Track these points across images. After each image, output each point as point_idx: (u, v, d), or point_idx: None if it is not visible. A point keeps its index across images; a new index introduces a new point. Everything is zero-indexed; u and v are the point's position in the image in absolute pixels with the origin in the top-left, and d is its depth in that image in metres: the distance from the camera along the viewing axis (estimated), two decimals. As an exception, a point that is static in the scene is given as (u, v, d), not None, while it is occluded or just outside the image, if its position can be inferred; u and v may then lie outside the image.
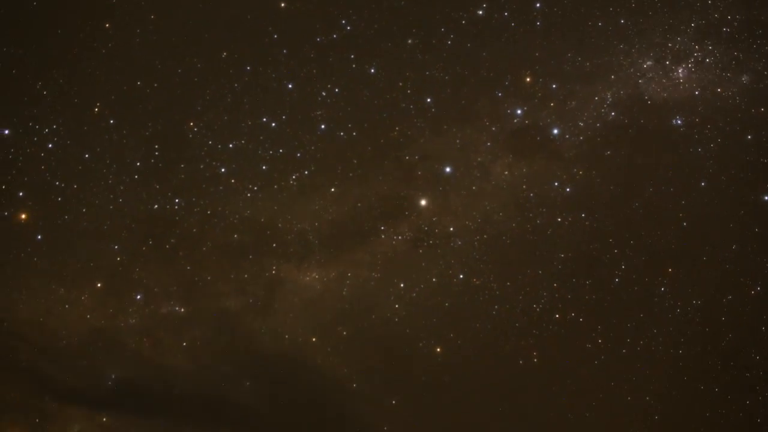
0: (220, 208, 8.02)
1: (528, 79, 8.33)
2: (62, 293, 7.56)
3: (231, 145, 8.10)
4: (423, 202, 8.33)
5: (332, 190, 8.29)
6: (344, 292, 8.23)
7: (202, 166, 8.01)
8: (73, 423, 7.39)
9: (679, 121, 8.08)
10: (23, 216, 7.40)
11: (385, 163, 8.37)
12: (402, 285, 8.23)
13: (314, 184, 8.26)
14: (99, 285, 7.67)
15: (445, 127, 8.37)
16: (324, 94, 8.23)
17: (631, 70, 8.21)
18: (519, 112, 8.32)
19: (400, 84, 8.28)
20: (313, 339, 8.10)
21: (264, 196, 8.15)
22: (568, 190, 8.25)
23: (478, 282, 8.21)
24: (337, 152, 8.31)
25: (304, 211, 8.24)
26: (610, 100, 8.26)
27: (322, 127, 8.24)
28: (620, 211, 8.18)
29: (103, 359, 7.43)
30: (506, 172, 8.34)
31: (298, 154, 8.23)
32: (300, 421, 7.79)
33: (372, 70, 8.26)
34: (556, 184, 8.26)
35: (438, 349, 8.12)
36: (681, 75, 8.13)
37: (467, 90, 8.36)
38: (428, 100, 8.33)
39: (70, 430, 7.34)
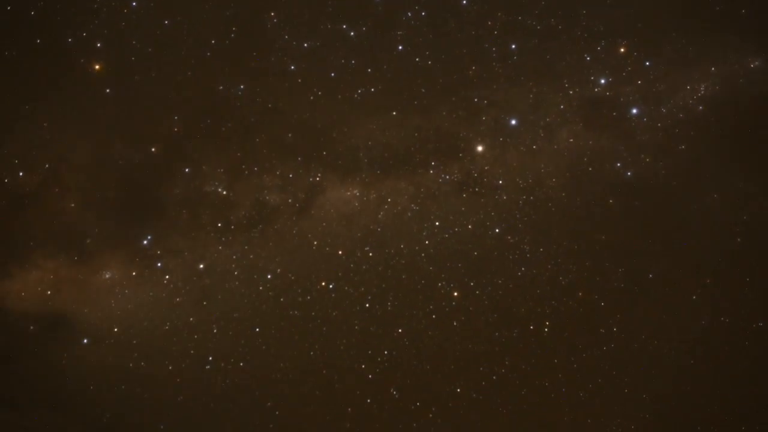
0: (281, 105, 8.06)
1: (622, 50, 7.87)
2: (118, 147, 7.85)
3: (306, 45, 8.02)
4: (480, 148, 8.20)
5: (393, 113, 8.20)
6: (380, 216, 8.31)
7: (273, 59, 7.98)
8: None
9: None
10: (97, 67, 7.62)
11: (452, 99, 8.17)
12: (437, 223, 8.24)
13: (377, 103, 8.17)
14: (153, 149, 7.93)
15: (522, 78, 8.07)
16: (410, 14, 7.97)
17: (736, 67, 7.66)
18: (603, 81, 7.93)
19: (489, 23, 7.94)
20: (339, 252, 8.27)
21: (326, 103, 8.12)
22: (628, 174, 7.97)
23: (511, 240, 8.17)
24: (407, 76, 8.14)
25: (361, 128, 8.21)
26: (703, 92, 7.78)
27: (400, 48, 8.05)
28: (676, 210, 7.90)
29: (139, 223, 7.80)
30: (571, 140, 8.08)
31: (369, 70, 8.11)
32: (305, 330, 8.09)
33: (464, 2, 7.93)
34: (618, 164, 7.98)
35: (455, 293, 8.22)
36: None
37: (555, 45, 7.96)
38: (513, 46, 7.99)
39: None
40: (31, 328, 7.33)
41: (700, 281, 7.79)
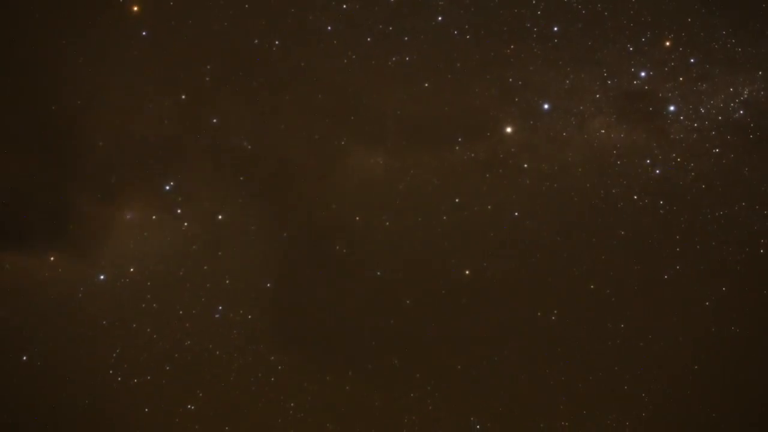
0: (313, 65, 8.01)
1: (667, 43, 7.64)
2: (149, 91, 7.90)
3: (345, 6, 7.91)
4: (508, 130, 8.09)
5: (426, 84, 8.10)
6: (400, 186, 8.28)
7: (311, 18, 7.91)
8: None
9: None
10: (135, 8, 7.62)
11: (487, 77, 8.05)
12: (457, 200, 8.21)
13: (410, 73, 8.07)
14: (183, 96, 7.97)
15: (560, 62, 7.89)
16: (452, -15, 7.82)
17: (786, 74, 7.41)
18: (643, 74, 7.73)
19: (533, 2, 7.74)
20: (357, 218, 8.30)
21: (359, 68, 8.05)
22: (657, 171, 7.83)
23: (529, 225, 8.12)
24: (444, 48, 8.02)
25: (391, 96, 8.13)
26: (746, 96, 7.55)
27: (439, 18, 7.91)
28: (700, 214, 7.75)
29: (163, 169, 7.90)
30: (603, 131, 7.93)
31: (406, 38, 7.99)
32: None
33: (510, -22, 7.74)
34: (647, 161, 7.83)
35: (467, 272, 8.23)
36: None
37: (599, 32, 7.76)
38: (555, 28, 7.80)
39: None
40: (52, 259, 7.54)
41: (716, 288, 7.69)
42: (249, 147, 8.15)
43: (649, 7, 7.62)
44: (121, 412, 7.50)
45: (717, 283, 7.66)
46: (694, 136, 7.71)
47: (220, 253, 8.05)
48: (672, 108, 7.71)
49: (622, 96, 7.85)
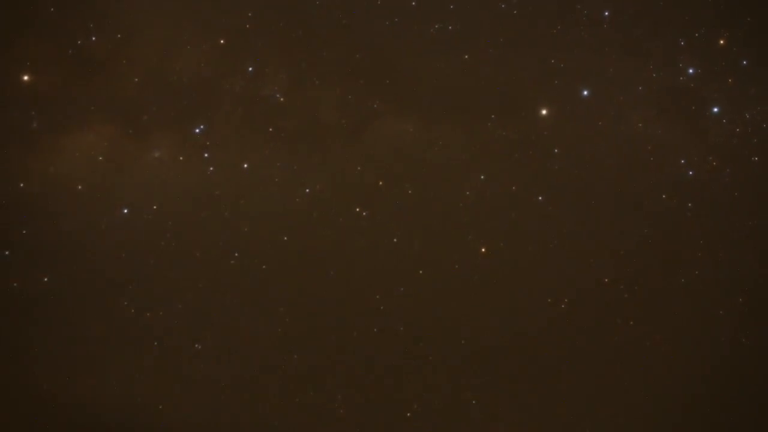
0: (355, 23, 7.91)
1: (722, 42, 7.36)
2: (188, 31, 7.91)
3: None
4: (543, 112, 7.94)
5: (466, 56, 7.97)
6: (427, 156, 8.23)
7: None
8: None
9: None
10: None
11: (528, 55, 7.87)
12: (482, 177, 8.13)
13: (452, 43, 7.95)
14: (222, 41, 7.97)
15: (606, 49, 7.67)
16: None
17: (839, 87, 7.10)
18: (691, 71, 7.48)
19: (590, -16, 7.50)
20: (380, 182, 8.29)
21: (400, 32, 7.95)
22: (690, 173, 7.65)
23: (552, 211, 8.04)
24: (489, 21, 7.87)
25: (429, 64, 8.01)
26: (797, 105, 7.28)
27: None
28: (729, 221, 7.58)
29: (195, 111, 7.95)
30: (640, 124, 7.74)
31: (451, 6, 7.86)
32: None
33: (566, -45, 7.48)
34: (682, 161, 7.65)
35: (483, 249, 8.21)
36: None
37: (651, 22, 7.50)
38: (606, 13, 7.56)
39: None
40: (79, 187, 7.72)
41: (732, 299, 7.56)
42: (281, 99, 8.15)
43: (709, 1, 7.31)
44: (131, 343, 7.77)
45: (734, 295, 7.53)
46: (735, 141, 7.48)
47: (242, 202, 8.14)
48: (715, 109, 7.48)
49: (665, 91, 7.63)
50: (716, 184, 7.58)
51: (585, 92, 7.80)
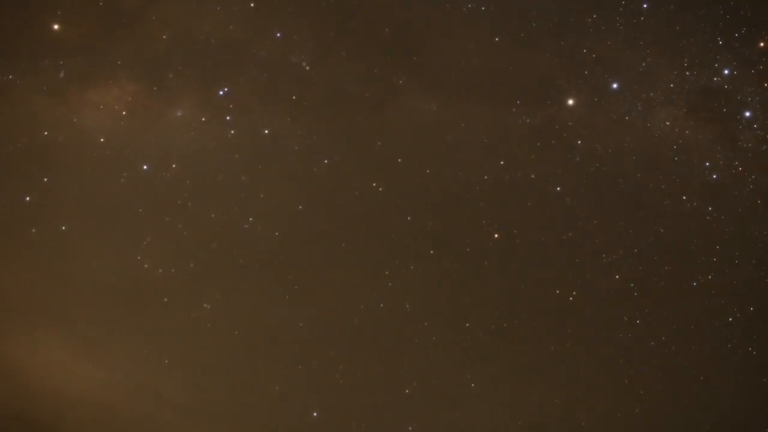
0: (390, 6, 7.81)
1: (761, 44, 7.14)
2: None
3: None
4: (570, 102, 7.81)
5: (496, 39, 7.86)
6: (448, 137, 8.16)
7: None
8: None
9: None
10: None
11: (561, 43, 7.72)
12: (501, 163, 8.07)
13: (483, 24, 7.84)
14: (252, 5, 7.91)
15: (641, 42, 7.48)
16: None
17: None
18: (726, 72, 7.29)
19: (628, -27, 7.29)
20: (399, 159, 8.24)
21: (432, 10, 7.88)
22: (714, 176, 7.51)
23: (569, 202, 7.97)
24: (522, 5, 7.75)
25: (459, 44, 7.93)
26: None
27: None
28: (748, 229, 7.46)
29: (219, 73, 7.95)
30: (668, 122, 7.59)
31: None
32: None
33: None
34: (707, 164, 7.50)
35: (495, 235, 8.18)
36: None
37: (690, 18, 7.29)
38: (644, 5, 7.37)
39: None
40: (102, 140, 7.81)
41: (743, 307, 7.48)
42: (307, 68, 8.11)
43: (752, 1, 7.07)
44: (142, 297, 7.93)
45: (745, 303, 7.45)
46: (763, 147, 7.31)
47: (259, 167, 8.18)
48: (747, 114, 7.30)
49: (697, 90, 7.46)
50: (739, 190, 7.44)
51: (615, 85, 7.65)
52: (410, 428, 7.96)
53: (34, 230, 7.69)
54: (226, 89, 8.04)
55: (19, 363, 7.63)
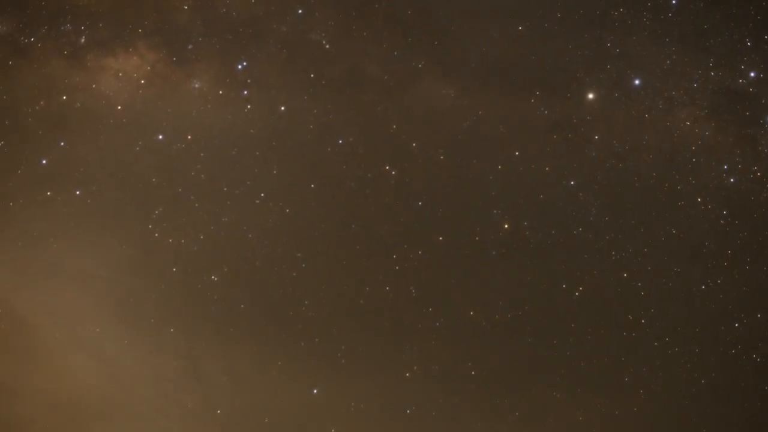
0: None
1: (792, 50, 6.98)
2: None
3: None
4: (590, 96, 7.72)
5: (519, 28, 7.77)
6: (465, 124, 8.10)
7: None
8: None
9: None
10: None
11: (585, 35, 7.62)
12: (516, 153, 8.02)
13: (506, 12, 7.78)
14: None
15: (667, 39, 7.36)
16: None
17: None
18: (752, 75, 7.17)
19: (659, -33, 7.14)
20: (414, 144, 8.21)
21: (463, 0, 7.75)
22: (731, 180, 7.42)
23: (581, 197, 7.92)
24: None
25: (481, 30, 7.84)
26: None
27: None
28: (763, 236, 7.39)
29: (239, 47, 7.93)
30: (688, 123, 7.48)
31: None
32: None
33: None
34: (725, 167, 7.41)
35: (506, 225, 8.15)
36: None
37: (718, 18, 7.15)
38: (673, 1, 7.21)
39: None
40: (119, 108, 7.85)
41: (751, 314, 7.43)
42: (327, 46, 8.06)
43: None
44: (150, 263, 8.02)
45: (753, 309, 7.39)
46: (786, 154, 7.19)
47: (274, 143, 8.19)
48: (772, 120, 7.17)
49: (721, 91, 7.33)
50: (756, 195, 7.34)
51: (637, 81, 7.54)
52: (408, 411, 8.04)
53: (49, 193, 7.79)
54: (244, 63, 8.02)
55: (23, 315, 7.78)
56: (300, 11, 7.95)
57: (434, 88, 8.09)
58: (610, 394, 7.88)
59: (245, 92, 8.05)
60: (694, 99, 7.39)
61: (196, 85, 8.02)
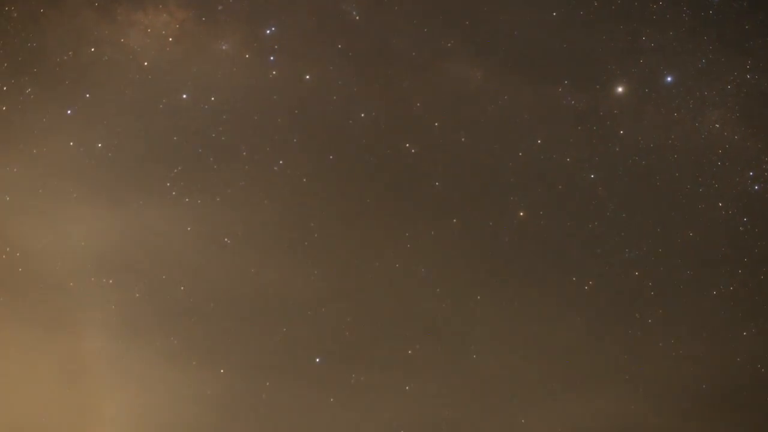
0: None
1: (832, 57, 6.76)
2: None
3: None
4: (619, 89, 7.58)
5: (554, 14, 7.68)
6: (488, 108, 8.04)
7: None
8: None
9: None
10: None
11: (620, 26, 7.48)
12: (538, 141, 7.95)
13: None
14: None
15: (705, 37, 7.17)
16: None
17: None
18: (789, 81, 6.95)
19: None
20: (436, 123, 8.14)
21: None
22: (756, 187, 7.36)
23: (601, 192, 7.87)
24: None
25: (513, 15, 7.76)
26: None
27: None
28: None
29: (268, 12, 7.87)
30: (717, 125, 7.33)
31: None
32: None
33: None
34: (750, 173, 7.28)
35: (521, 213, 8.11)
36: None
37: (761, 18, 6.93)
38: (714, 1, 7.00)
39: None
40: (145, 63, 7.87)
41: (762, 324, 7.35)
42: (357, 18, 7.98)
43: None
44: (165, 222, 8.11)
45: (764, 319, 7.31)
46: (813, 165, 7.02)
47: (296, 112, 8.17)
48: (804, 128, 6.99)
49: (755, 95, 7.18)
50: (778, 203, 7.20)
51: (669, 78, 7.38)
52: (407, 388, 8.13)
53: (71, 143, 7.87)
54: (273, 29, 7.97)
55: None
56: (332, -20, 7.86)
57: (461, 69, 8.01)
58: (610, 390, 7.90)
59: (272, 58, 8.02)
60: (726, 101, 7.22)
61: (224, 47, 8.00)
